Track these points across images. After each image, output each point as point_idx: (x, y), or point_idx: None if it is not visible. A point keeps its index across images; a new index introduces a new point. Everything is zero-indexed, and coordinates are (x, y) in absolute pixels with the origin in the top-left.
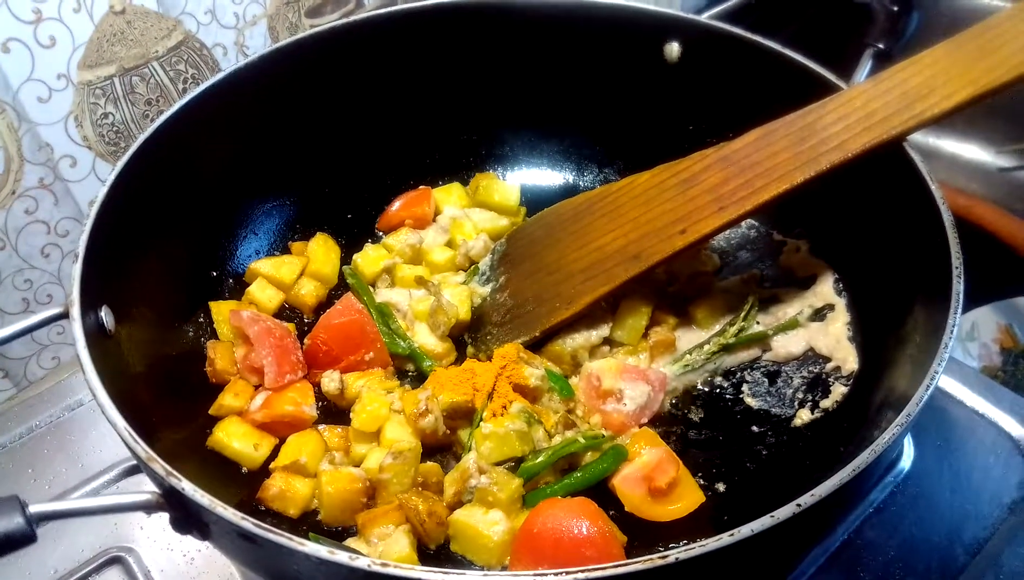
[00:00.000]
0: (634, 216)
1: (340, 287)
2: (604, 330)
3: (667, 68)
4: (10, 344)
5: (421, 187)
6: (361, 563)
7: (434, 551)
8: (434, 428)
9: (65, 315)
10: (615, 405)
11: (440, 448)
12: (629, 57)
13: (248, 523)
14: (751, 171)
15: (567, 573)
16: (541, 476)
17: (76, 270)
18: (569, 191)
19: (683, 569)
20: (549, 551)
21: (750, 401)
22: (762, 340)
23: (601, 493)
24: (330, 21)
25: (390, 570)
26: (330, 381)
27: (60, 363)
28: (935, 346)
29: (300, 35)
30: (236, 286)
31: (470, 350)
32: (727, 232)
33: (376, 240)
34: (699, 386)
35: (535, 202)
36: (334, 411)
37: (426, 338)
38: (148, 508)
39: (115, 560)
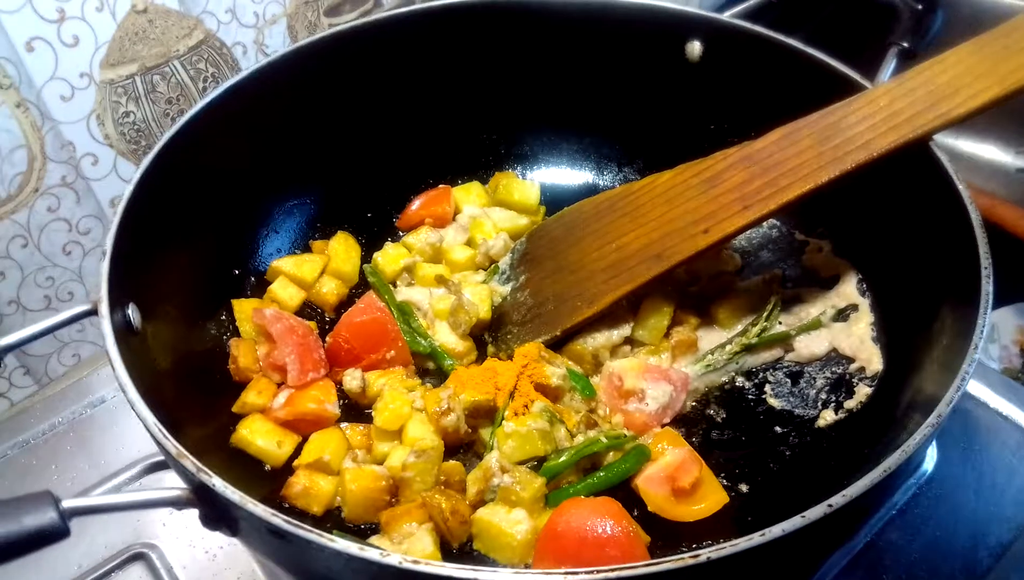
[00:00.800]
0: (656, 215)
1: (361, 286)
2: (626, 330)
3: (688, 67)
4: (32, 342)
5: (441, 186)
6: (392, 560)
7: (456, 550)
8: (456, 427)
9: (93, 312)
10: (637, 405)
11: (461, 447)
12: (650, 56)
13: (279, 519)
14: (775, 170)
15: (598, 571)
16: (563, 476)
17: (104, 267)
18: (589, 190)
19: (714, 569)
20: (573, 550)
21: (773, 401)
22: (784, 340)
23: (623, 493)
24: (349, 20)
25: (421, 567)
26: (352, 379)
27: (80, 360)
28: (964, 347)
29: (321, 34)
30: (257, 284)
31: (490, 349)
32: (749, 232)
33: (396, 239)
34: (721, 386)
35: (555, 201)
36: (356, 409)
37: (447, 337)
38: (178, 504)
39: (138, 556)
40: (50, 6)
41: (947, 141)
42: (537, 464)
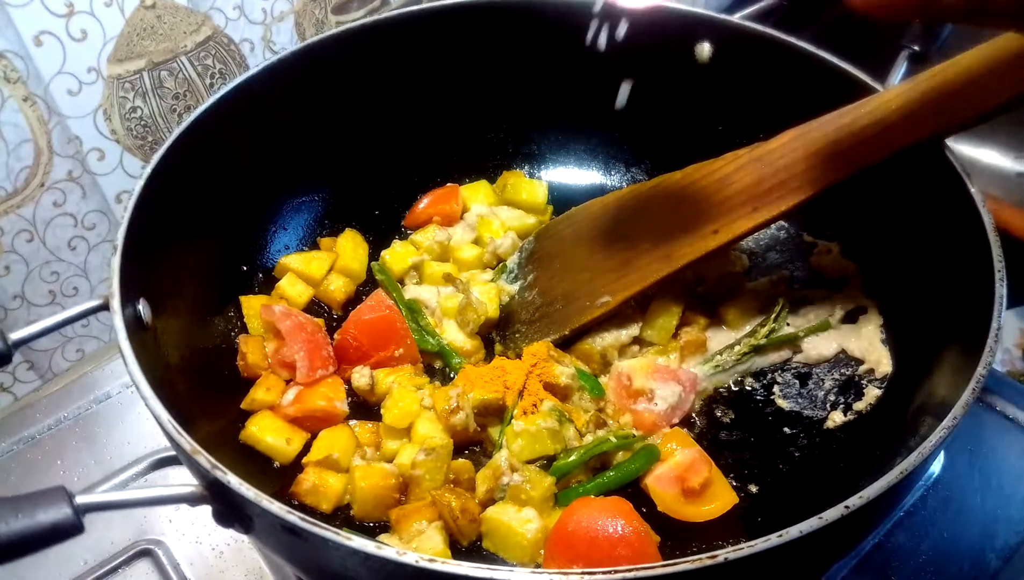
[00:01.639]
0: (665, 215)
1: (368, 283)
2: (634, 329)
3: (698, 68)
4: (43, 336)
5: (449, 184)
6: (408, 559)
7: (466, 548)
8: (465, 425)
9: (104, 307)
10: (646, 405)
11: (470, 445)
12: (659, 57)
13: (295, 517)
14: (785, 172)
15: (615, 572)
16: (573, 475)
17: (116, 262)
18: (596, 190)
19: (731, 569)
20: (583, 550)
21: (781, 402)
22: (793, 342)
23: (633, 493)
24: (357, 18)
25: (437, 566)
26: (361, 377)
27: (85, 356)
28: (977, 350)
29: (330, 32)
30: (265, 281)
31: (498, 348)
32: (757, 233)
33: (404, 237)
34: (730, 387)
35: (562, 200)
36: (364, 407)
37: (455, 335)
38: (191, 500)
39: (145, 553)
40: (59, 0)
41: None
42: (546, 463)
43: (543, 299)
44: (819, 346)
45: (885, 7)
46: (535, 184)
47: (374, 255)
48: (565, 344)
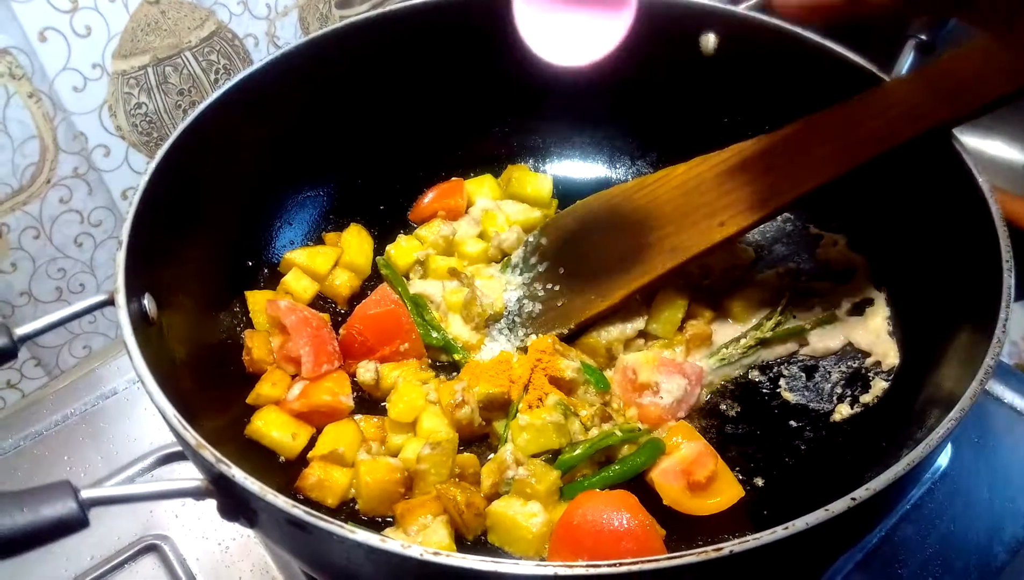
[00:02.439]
0: (671, 208)
1: (373, 278)
2: (639, 323)
3: (703, 60)
4: (44, 334)
5: (453, 179)
6: (413, 552)
7: (471, 542)
8: (470, 419)
9: (109, 302)
10: (651, 398)
11: (475, 439)
12: (664, 48)
13: (300, 511)
14: (791, 163)
15: (620, 564)
16: (578, 469)
17: (121, 258)
18: (602, 183)
19: (737, 562)
20: (589, 543)
21: (787, 395)
22: (799, 334)
23: (638, 486)
24: (360, 12)
25: (441, 559)
26: (366, 371)
27: (91, 352)
28: (985, 341)
29: (334, 26)
30: (271, 276)
31: (504, 342)
32: (763, 225)
33: (409, 231)
34: (736, 380)
35: (567, 194)
36: (369, 401)
37: (460, 329)
38: (196, 495)
39: (151, 548)
40: None
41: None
42: (552, 457)
43: (548, 293)
44: (825, 339)
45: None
46: (540, 178)
47: (379, 250)
48: (570, 338)
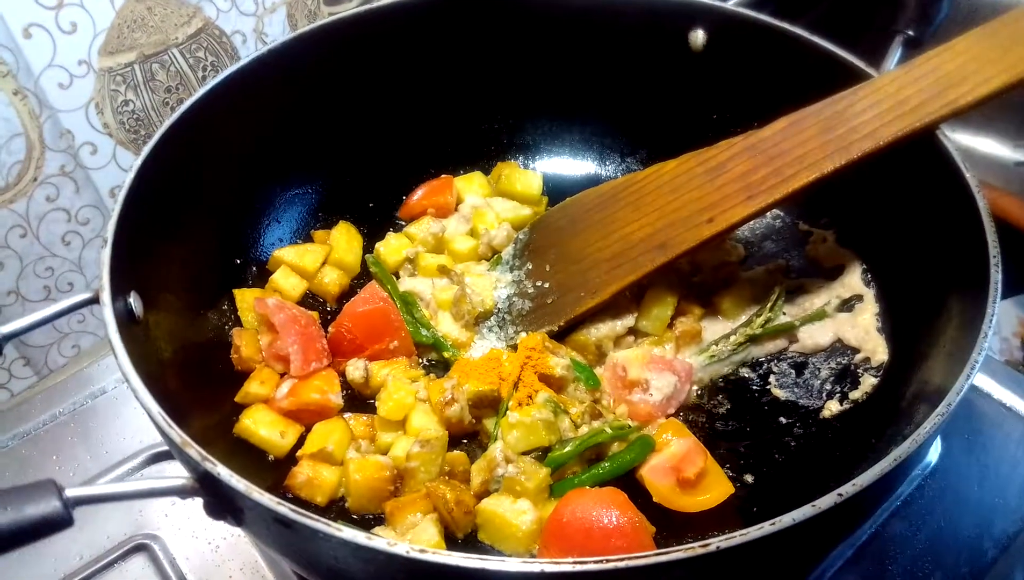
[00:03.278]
0: (660, 205)
1: (363, 276)
2: (629, 320)
3: (692, 56)
4: (32, 332)
5: (443, 176)
6: (399, 549)
7: (461, 540)
8: (460, 417)
9: (95, 300)
10: (641, 395)
11: (465, 437)
12: (653, 45)
13: (285, 508)
14: (780, 159)
15: (607, 561)
16: (568, 466)
17: (105, 255)
18: (591, 180)
19: (724, 558)
20: (579, 540)
21: (777, 392)
22: (789, 331)
23: (628, 484)
24: (348, 8)
25: (427, 556)
26: (355, 369)
27: (80, 351)
28: (972, 337)
29: (322, 22)
30: (259, 274)
31: (493, 339)
32: (752, 222)
33: (398, 229)
34: (726, 377)
35: (557, 191)
36: (359, 399)
37: (449, 327)
38: (182, 493)
39: (140, 547)
40: None
41: (944, 134)
42: (541, 454)
43: (538, 290)
44: (815, 335)
45: None
46: (530, 175)
47: (368, 247)
48: (560, 335)
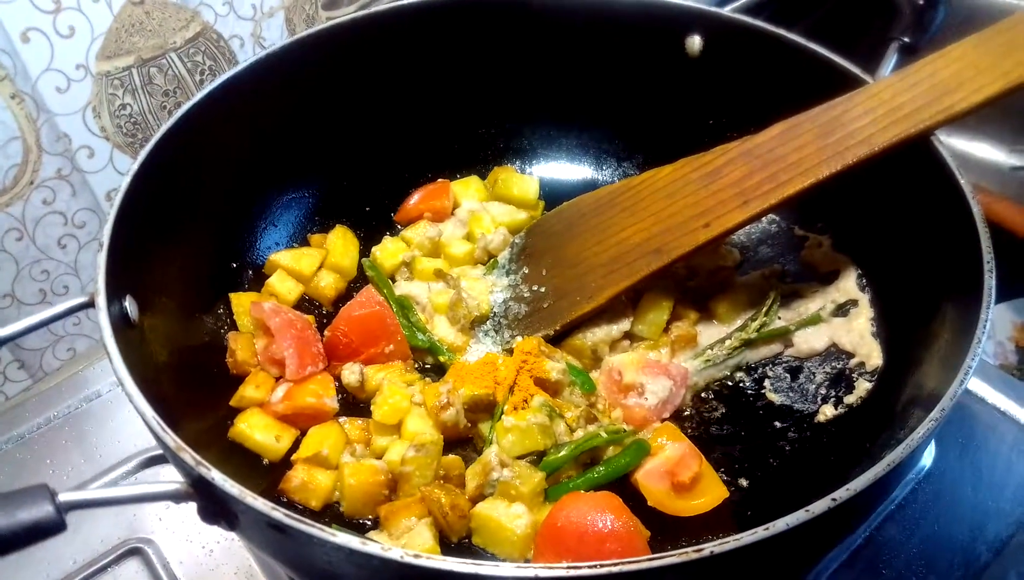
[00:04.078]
0: (656, 210)
1: (359, 280)
2: (625, 325)
3: (688, 62)
4: (26, 335)
5: (439, 180)
6: (394, 554)
7: (456, 544)
8: (455, 421)
9: (90, 304)
10: (636, 399)
11: (461, 441)
12: (650, 50)
13: (279, 513)
14: (775, 165)
15: (601, 566)
16: (563, 470)
17: (101, 259)
18: (588, 185)
19: (718, 563)
20: (573, 545)
21: (772, 396)
22: (784, 335)
23: (623, 488)
24: (347, 13)
25: (422, 561)
26: (351, 373)
27: (75, 354)
28: (966, 342)
29: (320, 27)
30: (255, 278)
31: (490, 343)
32: (748, 227)
33: (395, 233)
34: (721, 381)
35: (554, 196)
36: (354, 403)
37: (445, 331)
38: (176, 498)
39: (134, 551)
40: None
41: (939, 139)
42: (536, 459)
43: (534, 295)
44: (810, 340)
45: None
46: (526, 179)
47: (365, 252)
48: (556, 340)
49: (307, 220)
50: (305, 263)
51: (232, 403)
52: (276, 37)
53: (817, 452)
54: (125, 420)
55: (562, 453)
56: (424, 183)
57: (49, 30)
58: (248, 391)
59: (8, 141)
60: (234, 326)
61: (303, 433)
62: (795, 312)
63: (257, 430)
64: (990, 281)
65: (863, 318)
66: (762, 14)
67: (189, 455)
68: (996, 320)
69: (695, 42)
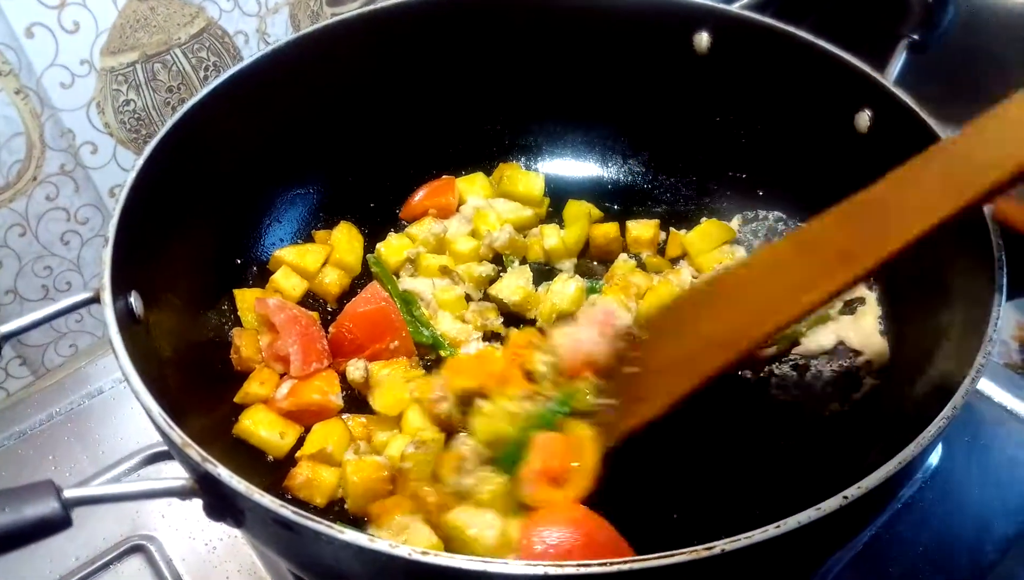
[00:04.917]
0: (735, 299)
1: (363, 276)
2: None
3: (696, 59)
4: (29, 332)
5: (444, 177)
6: (401, 551)
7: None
8: (448, 414)
9: (95, 300)
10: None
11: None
12: (657, 47)
13: (287, 510)
14: (872, 225)
15: (611, 564)
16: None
17: (107, 254)
18: (593, 182)
19: (729, 560)
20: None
21: (779, 394)
22: (791, 333)
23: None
24: (352, 9)
25: (430, 559)
26: (355, 369)
27: (78, 351)
28: (976, 339)
29: (324, 22)
30: (260, 274)
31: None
32: (753, 225)
33: (399, 229)
34: (727, 378)
35: (559, 193)
36: (359, 400)
37: (449, 326)
38: (182, 494)
39: (137, 548)
40: None
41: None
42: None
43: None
44: (817, 338)
45: None
46: (532, 176)
47: (369, 248)
48: None
49: (312, 216)
50: (310, 259)
51: (236, 400)
52: (281, 33)
53: (824, 450)
54: (127, 417)
55: (512, 431)
56: (429, 180)
57: (54, 25)
58: (253, 387)
59: (12, 137)
60: (239, 322)
61: (307, 430)
62: None
63: (261, 427)
64: (1001, 278)
65: (870, 316)
66: (769, 11)
67: (195, 451)
68: (1000, 319)
69: (703, 39)
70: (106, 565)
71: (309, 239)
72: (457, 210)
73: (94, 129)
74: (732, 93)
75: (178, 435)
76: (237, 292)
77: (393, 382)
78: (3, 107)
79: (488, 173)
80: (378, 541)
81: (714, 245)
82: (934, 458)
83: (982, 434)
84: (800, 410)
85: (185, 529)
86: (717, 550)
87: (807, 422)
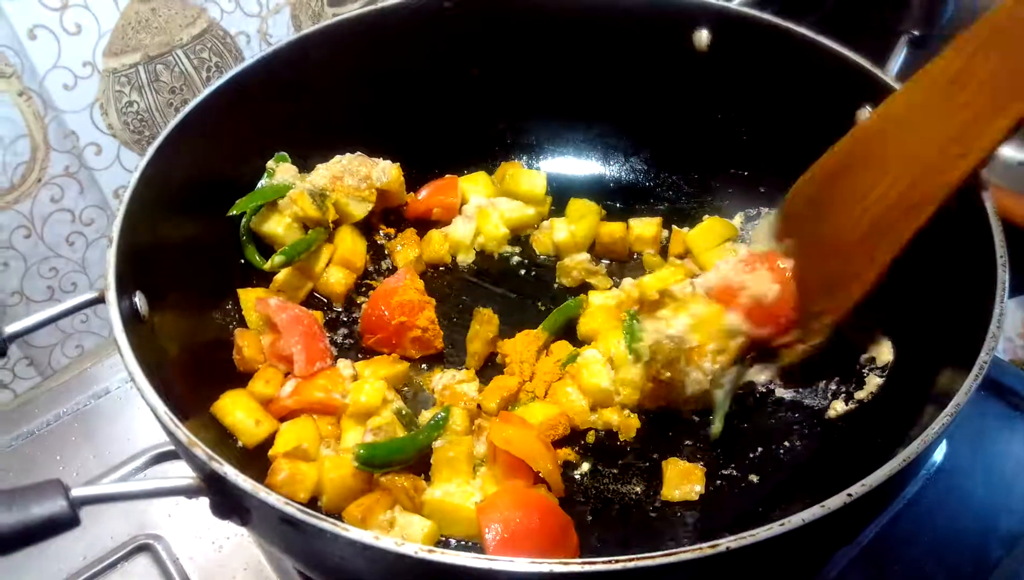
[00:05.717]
0: (902, 153)
1: (367, 275)
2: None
3: (696, 56)
4: (35, 332)
5: (447, 176)
6: (408, 549)
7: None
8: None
9: (100, 300)
10: None
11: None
12: (657, 45)
13: (292, 508)
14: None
15: (616, 561)
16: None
17: (111, 255)
18: (595, 180)
19: (734, 558)
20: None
21: (782, 392)
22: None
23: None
24: (353, 9)
25: (436, 556)
26: (345, 369)
27: (84, 351)
28: (980, 336)
29: (326, 23)
30: (263, 273)
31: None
32: (755, 222)
33: (403, 228)
34: None
35: (561, 191)
36: None
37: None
38: (188, 493)
39: (144, 547)
40: None
41: None
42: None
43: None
44: None
45: None
46: (534, 175)
47: (372, 247)
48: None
49: None
50: (314, 259)
51: None
52: (282, 34)
53: (827, 448)
54: (134, 417)
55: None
56: (432, 179)
57: (56, 27)
58: (258, 386)
59: (16, 139)
60: (242, 322)
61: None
62: None
63: (239, 409)
64: (1003, 275)
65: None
66: (769, 7)
67: (201, 450)
68: (1005, 314)
69: (703, 36)
70: (114, 564)
71: None
72: (460, 209)
73: (98, 130)
74: (733, 90)
75: (184, 434)
76: (241, 292)
77: (361, 386)
78: (7, 109)
79: (490, 172)
80: (384, 539)
81: (717, 242)
82: (938, 455)
83: (987, 431)
84: (803, 407)
85: (192, 528)
86: (722, 548)
87: (810, 419)
